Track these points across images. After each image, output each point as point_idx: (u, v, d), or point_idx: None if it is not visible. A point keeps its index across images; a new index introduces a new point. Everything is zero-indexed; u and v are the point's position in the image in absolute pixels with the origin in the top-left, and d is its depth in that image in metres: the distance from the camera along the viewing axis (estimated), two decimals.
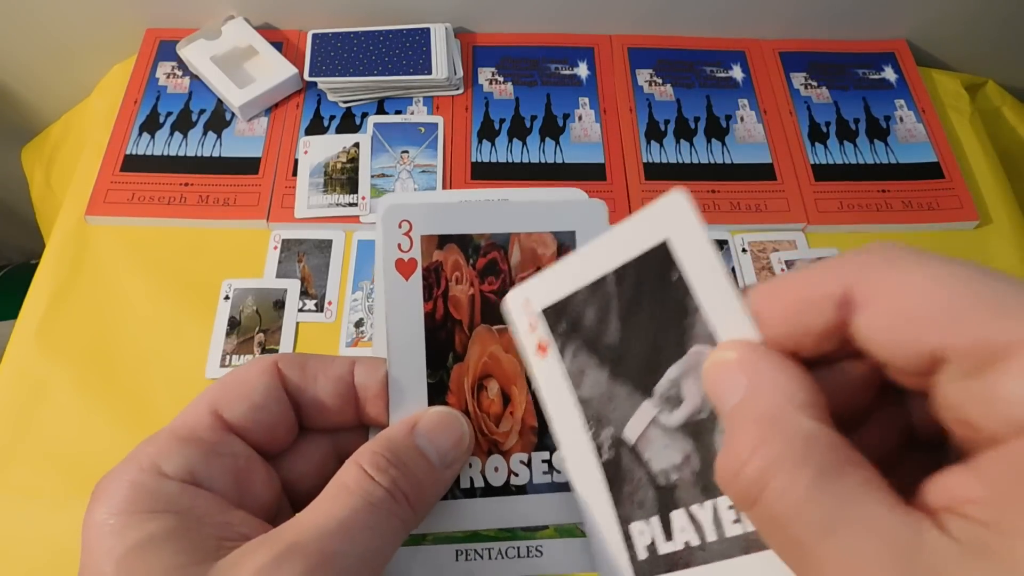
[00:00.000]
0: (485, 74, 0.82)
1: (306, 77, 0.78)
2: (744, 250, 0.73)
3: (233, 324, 0.66)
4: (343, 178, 0.74)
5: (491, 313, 0.24)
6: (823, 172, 0.77)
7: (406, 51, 0.80)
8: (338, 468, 0.21)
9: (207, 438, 0.21)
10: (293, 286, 0.69)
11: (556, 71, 0.83)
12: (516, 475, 0.23)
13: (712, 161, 0.77)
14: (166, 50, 0.82)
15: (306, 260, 0.70)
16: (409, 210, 0.23)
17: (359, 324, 0.67)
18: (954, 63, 0.90)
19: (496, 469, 0.23)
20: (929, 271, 0.15)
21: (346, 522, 0.19)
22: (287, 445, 0.23)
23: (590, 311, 0.21)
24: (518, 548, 0.23)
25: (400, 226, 0.23)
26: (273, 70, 0.78)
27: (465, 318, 0.24)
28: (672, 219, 0.20)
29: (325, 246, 0.71)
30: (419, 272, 0.23)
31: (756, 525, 0.17)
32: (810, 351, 0.18)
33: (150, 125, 0.76)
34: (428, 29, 0.81)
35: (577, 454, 0.22)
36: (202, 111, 0.78)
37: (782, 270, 0.71)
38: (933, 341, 0.15)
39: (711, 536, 0.20)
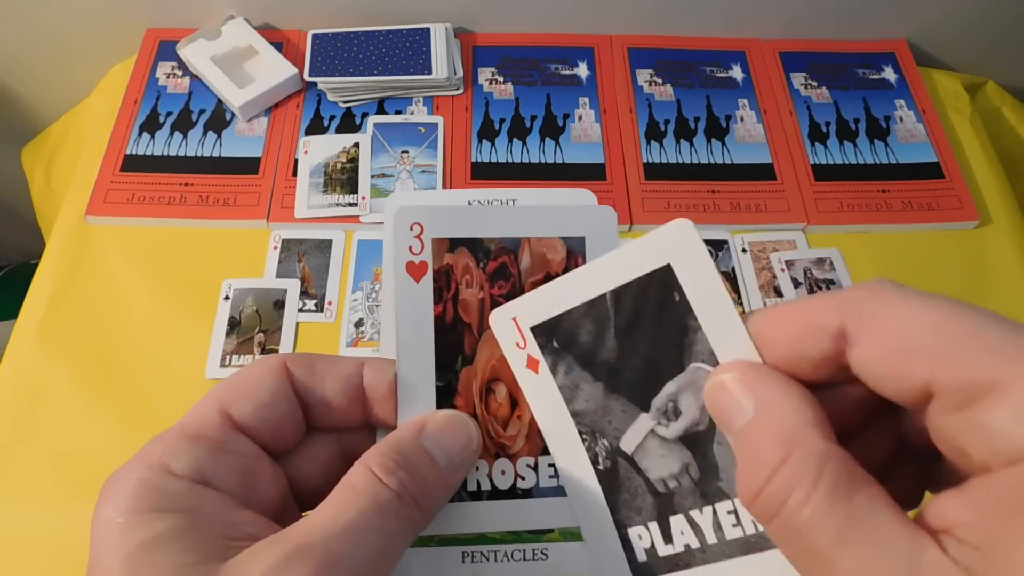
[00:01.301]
0: (485, 74, 0.82)
1: (306, 77, 0.78)
2: (744, 250, 0.73)
3: (233, 324, 0.66)
4: (343, 178, 0.74)
5: None
6: (823, 172, 0.77)
7: (406, 51, 0.80)
8: (345, 468, 0.21)
9: (215, 437, 0.21)
10: (293, 286, 0.69)
11: (556, 71, 0.83)
12: (523, 479, 0.23)
13: (712, 161, 0.77)
14: (166, 50, 0.82)
15: (306, 260, 0.70)
16: (420, 213, 0.23)
17: (359, 324, 0.67)
18: (954, 63, 0.90)
19: (503, 472, 0.23)
20: (918, 308, 0.16)
21: (354, 524, 0.19)
22: (294, 444, 0.23)
23: (585, 329, 0.22)
24: (524, 551, 0.23)
25: (411, 228, 0.23)
26: (273, 70, 0.78)
27: (475, 321, 0.24)
28: (676, 244, 0.21)
29: (325, 246, 0.71)
30: (430, 275, 0.23)
31: (774, 537, 0.18)
32: (807, 376, 0.19)
33: (150, 125, 0.76)
34: (428, 29, 0.81)
35: (573, 463, 0.22)
36: (202, 111, 0.78)
37: (782, 270, 0.71)
38: (923, 376, 0.16)
39: (711, 539, 0.21)
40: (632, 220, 0.73)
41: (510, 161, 0.76)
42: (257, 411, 0.22)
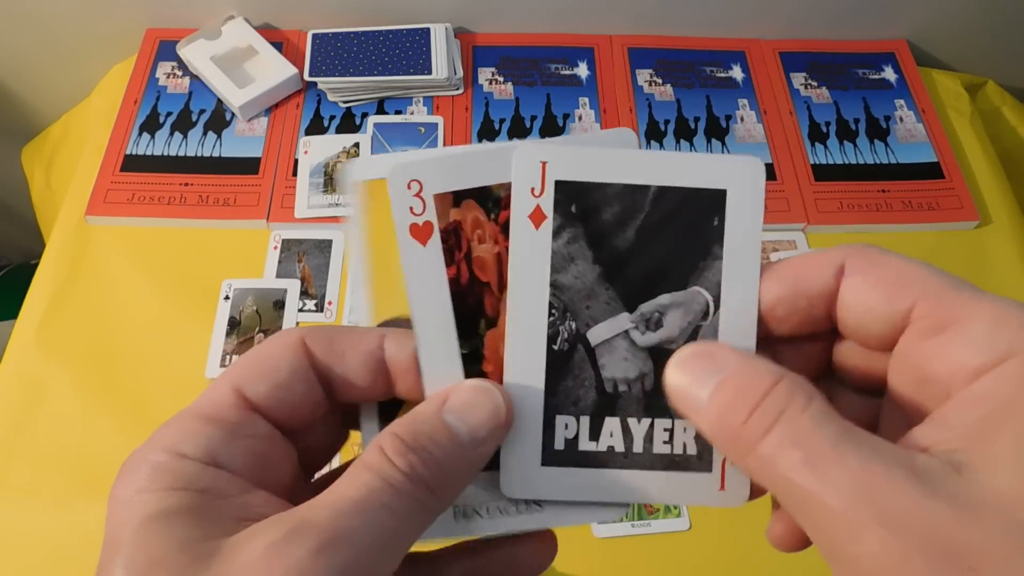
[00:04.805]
0: (485, 74, 0.82)
1: (306, 77, 0.78)
2: None
3: (233, 324, 0.66)
4: None
5: None
6: (823, 172, 0.77)
7: (406, 51, 0.80)
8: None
9: (229, 418, 0.21)
10: (293, 286, 0.69)
11: (556, 71, 0.83)
12: None
13: None
14: (166, 50, 0.82)
15: (306, 260, 0.70)
16: (417, 168, 0.21)
17: None
18: (954, 63, 0.90)
19: None
20: (905, 260, 0.20)
21: (361, 501, 0.19)
22: (312, 423, 0.23)
23: (611, 209, 0.21)
24: (517, 503, 0.22)
25: (409, 187, 0.21)
26: (273, 70, 0.78)
27: (493, 279, 0.22)
28: (741, 177, 0.21)
29: (325, 246, 0.71)
30: (436, 235, 0.21)
31: (761, 456, 0.18)
32: (801, 316, 0.21)
33: (150, 125, 0.76)
34: (428, 29, 0.81)
35: (528, 333, 0.22)
36: (202, 111, 0.78)
37: None
38: (908, 302, 0.19)
39: (638, 448, 0.21)
40: None
41: None
42: (273, 391, 0.21)
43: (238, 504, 0.19)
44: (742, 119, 0.80)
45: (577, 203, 0.21)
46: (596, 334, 0.21)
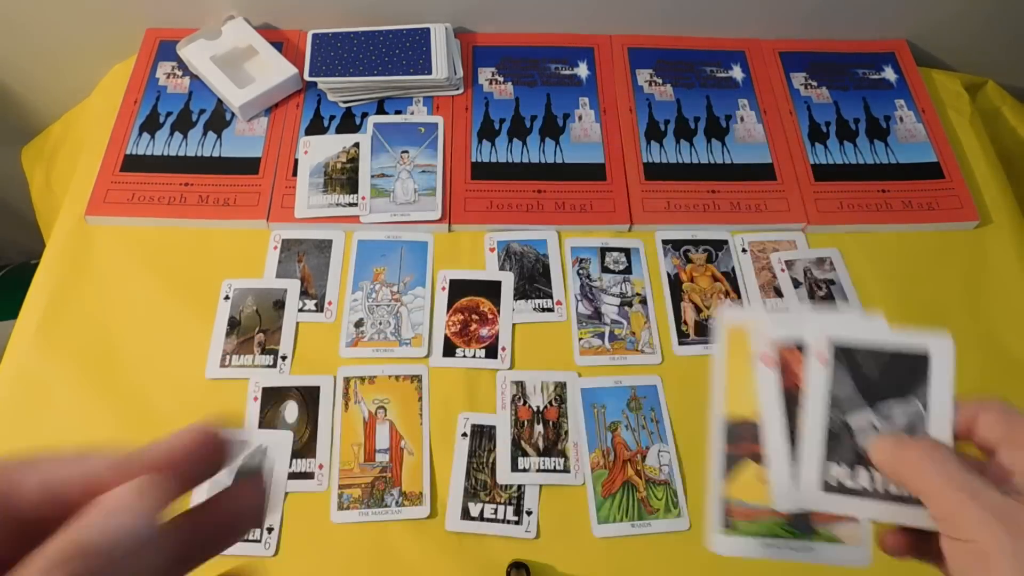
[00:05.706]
0: (485, 74, 0.82)
1: (306, 77, 0.78)
2: (744, 250, 0.73)
3: (233, 324, 0.66)
4: (343, 178, 0.74)
5: None
6: (823, 172, 0.77)
7: (406, 51, 0.80)
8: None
9: None
10: (293, 286, 0.69)
11: (556, 71, 0.83)
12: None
13: (712, 161, 0.77)
14: (166, 50, 0.82)
15: (306, 260, 0.70)
16: (767, 329, 0.37)
17: (359, 324, 0.67)
18: (954, 63, 0.90)
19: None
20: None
21: None
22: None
23: (862, 357, 0.37)
24: (795, 546, 0.36)
25: (763, 337, 0.38)
26: (273, 70, 0.78)
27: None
28: (938, 347, 0.36)
29: (325, 246, 0.71)
30: (775, 364, 0.37)
31: (921, 466, 0.32)
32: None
33: (150, 125, 0.76)
34: (428, 29, 0.81)
35: (815, 419, 0.36)
36: (202, 111, 0.78)
37: (782, 270, 0.71)
38: (1012, 430, 0.32)
39: (880, 488, 0.34)
40: (632, 220, 0.73)
41: (510, 161, 0.76)
42: None
43: None
44: (742, 119, 0.80)
45: (845, 354, 0.37)
46: (854, 420, 0.36)
